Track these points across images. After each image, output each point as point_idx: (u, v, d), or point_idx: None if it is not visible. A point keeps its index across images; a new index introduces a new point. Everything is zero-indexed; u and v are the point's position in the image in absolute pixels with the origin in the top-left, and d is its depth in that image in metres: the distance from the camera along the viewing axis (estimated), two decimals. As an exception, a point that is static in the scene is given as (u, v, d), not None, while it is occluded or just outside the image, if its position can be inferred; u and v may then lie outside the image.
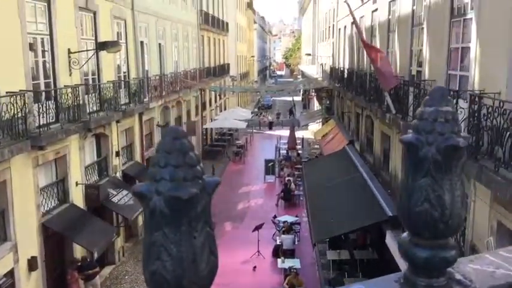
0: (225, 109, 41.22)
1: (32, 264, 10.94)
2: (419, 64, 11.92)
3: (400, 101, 11.91)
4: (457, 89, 8.91)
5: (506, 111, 6.44)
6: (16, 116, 9.85)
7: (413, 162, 1.28)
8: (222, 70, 38.95)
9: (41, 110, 11.21)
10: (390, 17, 14.73)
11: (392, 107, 12.21)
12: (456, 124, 1.24)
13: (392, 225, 10.99)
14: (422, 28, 11.39)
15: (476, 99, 7.30)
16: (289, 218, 19.00)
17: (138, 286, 14.97)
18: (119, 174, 16.64)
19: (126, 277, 15.54)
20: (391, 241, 10.46)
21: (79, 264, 12.89)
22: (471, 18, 8.53)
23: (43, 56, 12.18)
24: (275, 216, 19.59)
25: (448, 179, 1.24)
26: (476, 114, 7.27)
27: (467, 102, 7.74)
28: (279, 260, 15.71)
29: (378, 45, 16.16)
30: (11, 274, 10.28)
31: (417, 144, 1.23)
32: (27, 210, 10.97)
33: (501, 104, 6.60)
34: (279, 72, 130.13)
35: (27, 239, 10.90)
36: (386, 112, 12.94)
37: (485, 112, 6.94)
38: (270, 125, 44.94)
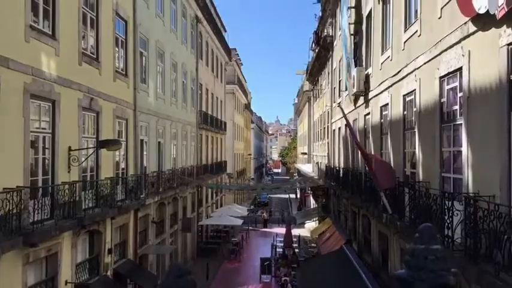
0: (221, 206, 41.05)
1: None
2: (413, 166, 12.15)
3: (396, 201, 11.97)
4: (452, 191, 9.01)
5: (502, 214, 6.48)
6: (11, 212, 9.79)
7: None
8: (219, 167, 39.41)
9: (36, 206, 11.17)
10: (382, 120, 15.29)
11: (388, 207, 12.23)
12: (445, 261, 1.27)
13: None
14: (414, 132, 11.78)
15: (472, 202, 7.37)
16: (286, 323, 18.11)
17: None
18: (110, 273, 16.12)
19: None
20: None
21: None
22: (461, 124, 8.89)
23: (43, 153, 12.37)
24: (271, 320, 18.69)
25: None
26: (472, 217, 7.29)
27: (462, 204, 7.80)
28: None
29: (371, 146, 16.61)
30: None
31: (410, 281, 1.25)
32: (12, 311, 10.47)
33: (496, 207, 6.66)
34: (275, 170, 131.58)
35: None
36: (383, 212, 12.93)
37: (481, 215, 6.97)
38: (265, 223, 44.48)
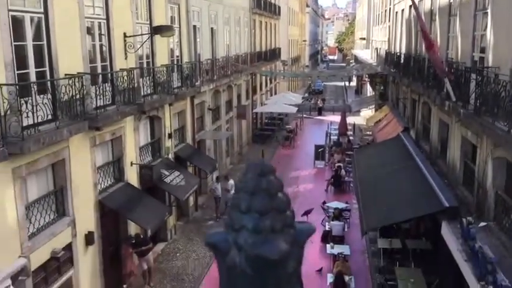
0: (275, 93, 41.04)
1: (88, 239, 11.38)
2: (482, 50, 11.28)
3: (461, 88, 11.36)
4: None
5: None
6: (74, 98, 10.16)
7: None
8: (273, 54, 38.68)
9: (98, 92, 11.53)
10: (451, 0, 14.00)
11: (452, 94, 11.67)
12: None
13: (448, 216, 10.55)
14: (487, 12, 10.73)
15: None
16: (339, 205, 18.76)
17: (189, 263, 15.35)
18: (171, 156, 16.97)
19: (178, 254, 15.95)
20: (447, 232, 10.06)
21: (133, 240, 13.31)
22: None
23: (100, 40, 12.47)
24: (324, 202, 19.40)
25: None
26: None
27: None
28: (328, 246, 15.57)
29: (438, 30, 15.48)
30: (69, 248, 10.74)
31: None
32: (85, 187, 11.39)
33: None
34: (331, 57, 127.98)
35: (85, 215, 11.33)
36: (445, 99, 12.39)
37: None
38: (319, 111, 44.30)
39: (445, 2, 14.65)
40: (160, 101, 15.23)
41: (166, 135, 16.50)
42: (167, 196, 16.22)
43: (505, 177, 9.51)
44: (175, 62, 17.58)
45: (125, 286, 13.37)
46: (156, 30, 14.60)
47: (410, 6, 18.33)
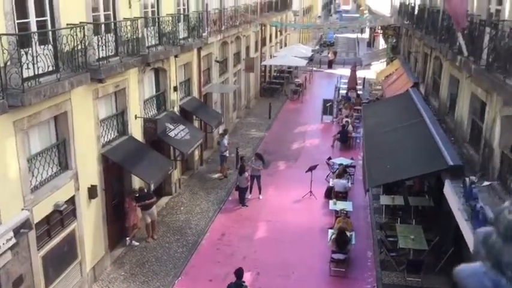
0: (285, 45, 40.21)
1: (92, 192, 11.47)
2: (500, 1, 10.76)
3: (474, 42, 10.94)
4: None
5: None
6: (76, 49, 9.95)
7: None
8: (284, 4, 37.60)
9: (100, 43, 11.28)
10: None
11: (464, 49, 11.26)
12: None
13: (452, 174, 10.45)
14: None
15: None
16: (344, 161, 18.70)
17: (192, 216, 15.56)
18: (176, 109, 16.85)
19: (182, 208, 16.15)
20: (449, 190, 9.99)
21: (137, 194, 13.43)
22: None
23: (104, -13, 12.08)
24: (330, 158, 19.35)
25: None
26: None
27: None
28: (331, 202, 15.64)
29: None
30: (72, 201, 10.85)
31: None
32: (88, 140, 11.38)
33: None
34: (344, 7, 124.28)
35: (88, 168, 11.39)
36: (457, 54, 11.99)
37: None
38: (330, 64, 43.48)
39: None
40: (166, 52, 14.93)
41: (172, 88, 16.31)
42: (172, 150, 16.22)
43: (513, 136, 9.30)
44: (181, 12, 17.11)
45: (128, 239, 13.62)
46: (161, -22, 14.11)
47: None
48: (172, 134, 15.12)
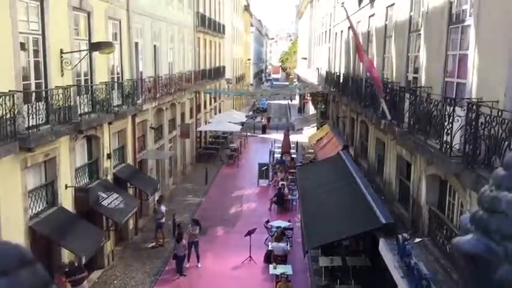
0: (219, 112, 41.00)
1: (18, 269, 10.63)
2: (416, 70, 11.81)
3: (396, 107, 11.79)
4: (454, 96, 8.77)
5: (505, 120, 6.30)
6: (5, 117, 9.61)
7: (481, 286, 0.74)
8: (218, 73, 38.76)
9: (30, 111, 10.97)
10: (387, 22, 14.62)
11: (387, 113, 12.07)
12: None
13: (385, 232, 10.83)
14: (420, 34, 11.27)
15: (474, 107, 7.16)
16: (282, 223, 18.80)
17: (127, 290, 14.75)
18: (110, 177, 16.40)
19: (115, 281, 15.28)
20: (384, 248, 10.30)
21: (66, 269, 12.62)
22: (469, 25, 8.41)
23: (35, 56, 11.95)
24: (268, 221, 19.40)
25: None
26: (473, 123, 7.13)
27: (464, 110, 7.60)
28: (271, 266, 15.51)
29: (374, 50, 16.07)
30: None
31: (490, 260, 0.70)
32: (14, 212, 10.72)
33: (499, 113, 6.47)
34: (274, 76, 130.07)
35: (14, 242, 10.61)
36: (381, 118, 12.81)
37: (483, 121, 6.79)
38: (264, 129, 44.72)
39: (381, 24, 15.27)
40: (99, 119, 14.73)
41: (105, 155, 15.96)
42: (105, 220, 15.58)
43: (438, 193, 9.89)
44: (115, 80, 17.14)
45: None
46: (95, 47, 14.20)
47: (349, 28, 18.96)
48: (105, 203, 14.60)
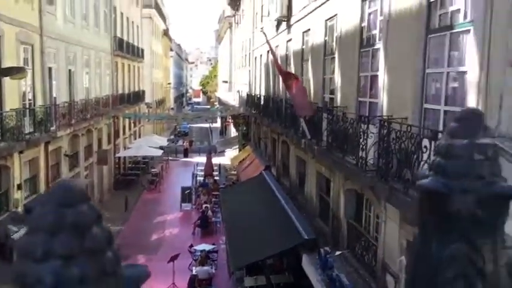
0: (139, 136, 40.05)
1: None
2: (332, 92, 12.37)
3: (314, 126, 12.23)
4: (367, 115, 9.28)
5: (414, 135, 6.76)
6: None
7: (438, 220, 0.88)
8: (137, 97, 37.99)
9: None
10: (304, 46, 15.25)
11: (307, 133, 12.48)
12: (497, 162, 0.87)
13: (308, 248, 11.07)
14: (334, 57, 11.86)
15: (386, 124, 7.61)
16: (207, 247, 18.58)
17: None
18: (20, 209, 15.31)
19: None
20: (307, 263, 10.52)
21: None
22: (379, 48, 9.00)
23: None
24: (191, 246, 19.06)
25: (490, 243, 0.87)
26: (385, 139, 7.57)
27: (377, 127, 8.06)
28: (196, 291, 15.19)
29: (292, 73, 16.62)
30: None
31: (445, 193, 0.85)
32: None
33: (408, 128, 6.93)
34: (195, 99, 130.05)
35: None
36: (302, 137, 13.21)
37: (394, 136, 7.24)
38: (185, 152, 44.33)
39: (298, 48, 15.88)
40: (9, 148, 13.80)
41: (15, 186, 14.93)
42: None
43: (355, 207, 10.33)
44: (27, 106, 16.20)
45: None
46: (5, 72, 13.41)
47: (268, 52, 19.51)
48: (16, 237, 13.56)
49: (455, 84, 6.88)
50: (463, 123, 0.87)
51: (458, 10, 6.59)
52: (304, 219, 12.72)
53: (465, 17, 6.43)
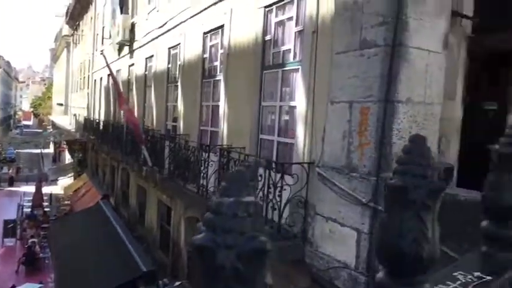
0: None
1: None
2: (175, 119, 12.39)
3: (157, 154, 12.04)
4: (209, 143, 9.48)
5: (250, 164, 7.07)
6: None
7: (206, 273, 0.99)
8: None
9: None
10: (147, 72, 15.08)
11: (149, 160, 12.23)
12: (258, 219, 1.00)
13: (146, 280, 10.69)
14: (177, 85, 11.95)
15: (225, 153, 7.85)
16: (32, 286, 16.70)
17: None
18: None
19: None
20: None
21: None
22: (220, 80, 9.34)
23: None
24: (14, 286, 16.96)
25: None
26: (225, 167, 7.79)
27: (217, 155, 8.26)
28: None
29: (135, 98, 16.27)
30: None
31: (213, 248, 0.96)
32: None
33: (246, 157, 7.25)
34: (25, 122, 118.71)
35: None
36: (143, 165, 12.89)
37: (233, 165, 7.49)
38: (11, 181, 39.89)
39: (141, 73, 15.63)
40: None
41: None
42: None
43: (196, 235, 10.34)
44: None
45: None
46: None
47: (109, 75, 18.84)
48: None
49: (287, 117, 7.45)
50: (231, 184, 1.02)
51: (289, 50, 7.21)
52: (143, 251, 12.29)
53: (294, 56, 7.05)
